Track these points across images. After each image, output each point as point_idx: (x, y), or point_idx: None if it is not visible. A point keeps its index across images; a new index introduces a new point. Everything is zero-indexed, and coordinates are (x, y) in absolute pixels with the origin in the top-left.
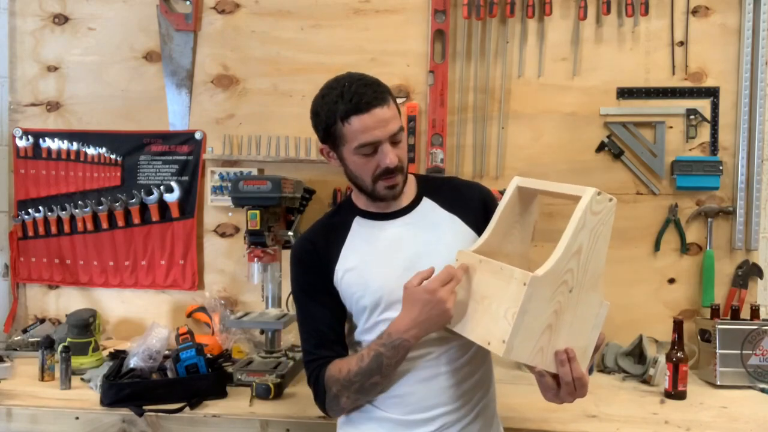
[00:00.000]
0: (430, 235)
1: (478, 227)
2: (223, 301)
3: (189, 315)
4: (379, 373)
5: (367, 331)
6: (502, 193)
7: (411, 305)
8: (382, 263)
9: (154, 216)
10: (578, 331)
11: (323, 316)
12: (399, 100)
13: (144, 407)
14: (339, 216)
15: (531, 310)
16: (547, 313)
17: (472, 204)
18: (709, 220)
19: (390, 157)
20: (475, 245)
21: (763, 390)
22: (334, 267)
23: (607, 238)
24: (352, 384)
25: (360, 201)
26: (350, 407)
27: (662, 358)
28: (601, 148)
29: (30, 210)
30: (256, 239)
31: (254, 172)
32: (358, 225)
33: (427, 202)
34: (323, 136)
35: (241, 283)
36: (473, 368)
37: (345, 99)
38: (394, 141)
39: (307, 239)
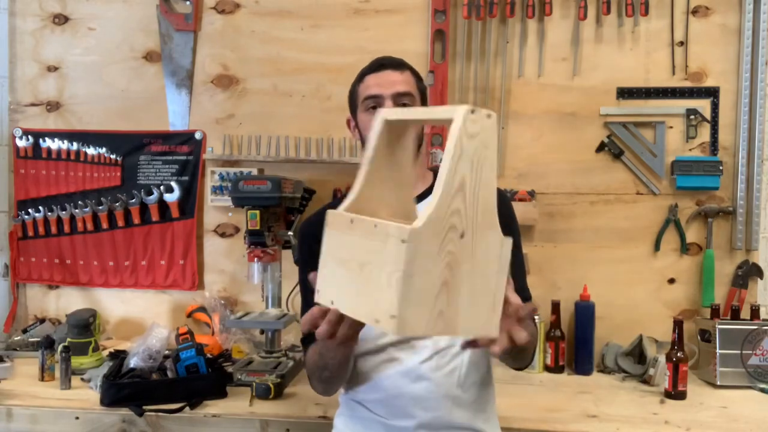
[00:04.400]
0: None
1: None
2: (223, 301)
3: (189, 315)
4: (326, 368)
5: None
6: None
7: None
8: None
9: (154, 216)
10: (481, 281)
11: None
12: None
13: (144, 407)
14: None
15: (417, 271)
16: (438, 269)
17: None
18: (709, 220)
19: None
20: (346, 201)
21: (763, 390)
22: None
23: (494, 164)
24: (314, 372)
25: None
26: (327, 392)
27: (662, 358)
28: (601, 148)
29: (30, 210)
30: (256, 239)
31: (254, 172)
32: None
33: None
34: (350, 104)
35: (241, 283)
36: (471, 368)
37: (367, 65)
38: (398, 103)
39: (312, 220)
